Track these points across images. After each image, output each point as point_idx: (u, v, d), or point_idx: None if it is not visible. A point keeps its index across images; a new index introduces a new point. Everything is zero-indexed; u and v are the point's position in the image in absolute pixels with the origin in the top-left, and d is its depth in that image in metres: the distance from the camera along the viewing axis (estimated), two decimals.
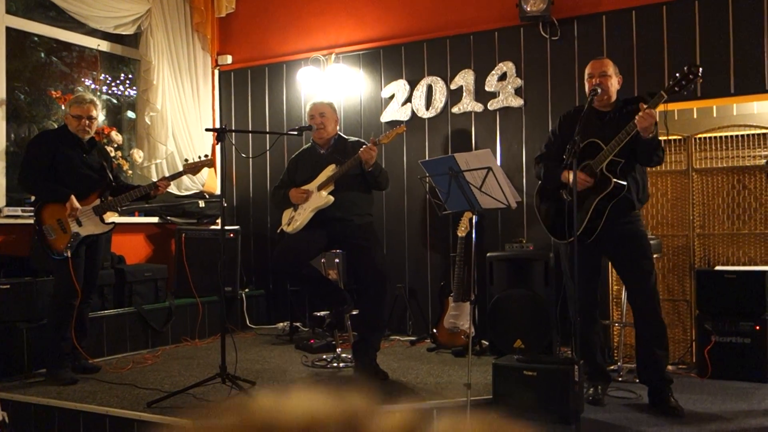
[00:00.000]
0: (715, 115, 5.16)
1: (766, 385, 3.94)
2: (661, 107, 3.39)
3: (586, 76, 3.65)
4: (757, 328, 4.05)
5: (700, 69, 3.26)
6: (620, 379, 4.05)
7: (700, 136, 4.75)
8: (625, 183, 3.43)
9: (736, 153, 4.65)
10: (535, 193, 3.85)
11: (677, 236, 4.76)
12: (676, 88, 3.27)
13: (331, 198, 3.97)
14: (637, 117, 3.30)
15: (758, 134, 4.61)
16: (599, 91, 3.50)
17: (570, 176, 3.38)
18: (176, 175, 4.45)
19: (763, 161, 4.46)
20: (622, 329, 4.48)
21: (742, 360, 4.06)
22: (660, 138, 3.53)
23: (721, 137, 4.70)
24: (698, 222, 4.70)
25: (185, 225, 5.85)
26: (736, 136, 4.67)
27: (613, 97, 3.61)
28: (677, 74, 3.29)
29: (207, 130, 4.21)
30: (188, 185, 6.08)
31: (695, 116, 5.18)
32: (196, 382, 3.67)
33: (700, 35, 4.70)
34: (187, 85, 6.22)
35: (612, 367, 4.18)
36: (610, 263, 4.52)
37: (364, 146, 3.92)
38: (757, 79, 4.53)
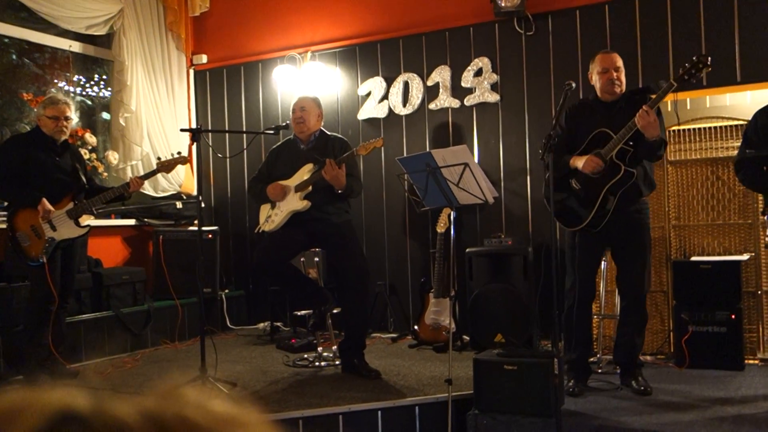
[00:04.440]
0: (688, 107, 5.22)
1: (742, 373, 4.00)
2: (670, 96, 3.45)
3: (596, 70, 3.66)
4: (733, 317, 4.10)
5: (709, 58, 3.31)
6: (600, 370, 4.08)
7: (674, 128, 4.79)
8: (634, 170, 3.48)
9: (709, 145, 4.70)
10: (544, 184, 3.88)
11: (654, 228, 4.79)
12: (686, 77, 3.33)
13: (308, 203, 3.95)
14: (637, 115, 3.35)
15: (731, 126, 4.66)
16: (617, 91, 3.58)
17: (578, 162, 3.54)
18: (150, 174, 4.41)
19: (736, 153, 4.52)
20: (600, 321, 4.51)
21: (719, 349, 4.11)
22: (665, 135, 3.61)
23: (694, 129, 4.75)
24: (674, 213, 4.75)
25: (162, 226, 5.80)
26: (710, 128, 4.72)
27: (624, 89, 3.67)
28: (687, 64, 3.34)
29: (182, 130, 4.18)
30: (165, 186, 6.03)
31: (669, 109, 5.23)
32: (177, 385, 3.63)
33: (673, 28, 4.75)
34: (161, 86, 6.16)
35: (592, 359, 4.21)
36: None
37: (325, 167, 3.84)
38: (729, 71, 4.59)
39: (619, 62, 3.65)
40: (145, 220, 5.84)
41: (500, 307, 4.59)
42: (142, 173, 5.61)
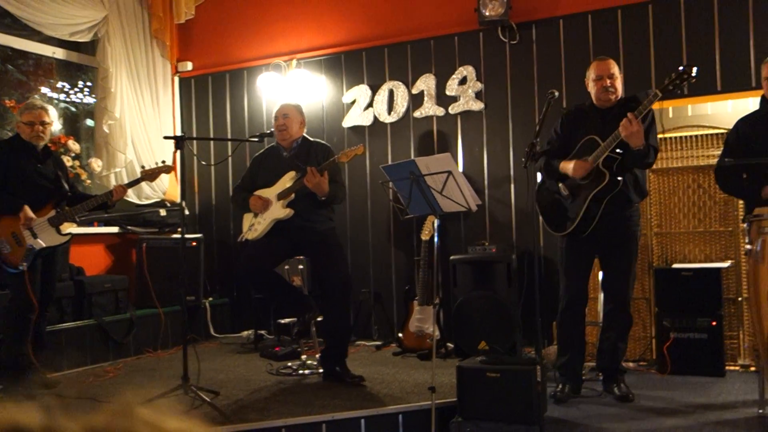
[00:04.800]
0: (671, 116, 5.27)
1: (723, 380, 4.03)
2: (657, 105, 3.47)
3: (591, 77, 3.69)
4: (714, 323, 4.14)
5: (694, 69, 3.34)
6: (583, 377, 4.09)
7: (657, 136, 4.83)
8: (620, 178, 3.50)
9: (691, 153, 4.75)
10: (536, 189, 3.90)
11: None
12: (671, 87, 3.36)
13: (291, 211, 3.94)
14: (620, 125, 3.37)
15: (712, 134, 4.71)
16: (612, 97, 3.61)
17: (568, 167, 3.57)
18: (134, 182, 4.39)
19: (717, 161, 4.57)
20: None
21: (700, 355, 4.14)
22: (656, 143, 3.64)
23: (676, 137, 4.80)
24: (656, 221, 4.78)
25: (146, 234, 5.77)
26: (691, 136, 4.77)
27: (620, 95, 3.69)
28: (672, 74, 3.37)
29: (165, 138, 4.16)
30: (149, 194, 6.00)
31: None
32: (158, 394, 3.61)
33: (654, 38, 4.80)
34: (146, 93, 6.14)
35: None
36: None
37: (306, 175, 3.83)
38: (710, 80, 4.64)
39: (614, 69, 3.66)
40: (129, 227, 5.80)
41: (484, 314, 4.60)
42: (125, 181, 5.59)
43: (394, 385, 3.97)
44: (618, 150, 3.48)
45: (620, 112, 3.56)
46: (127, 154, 5.82)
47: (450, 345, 4.83)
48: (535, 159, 3.37)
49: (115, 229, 5.78)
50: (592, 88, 3.69)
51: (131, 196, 5.76)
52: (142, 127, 6.03)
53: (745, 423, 3.19)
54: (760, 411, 3.28)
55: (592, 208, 3.53)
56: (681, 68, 3.35)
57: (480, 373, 3.34)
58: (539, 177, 3.87)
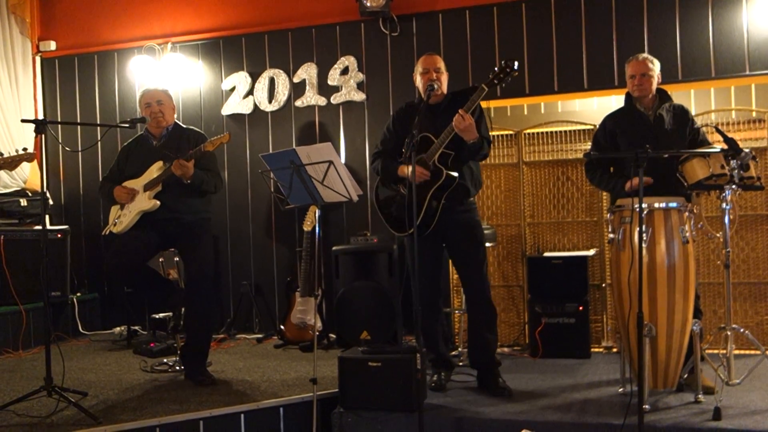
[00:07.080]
0: (542, 111, 5.53)
1: (588, 361, 4.29)
2: (483, 104, 3.53)
3: (419, 71, 3.71)
4: (581, 308, 4.39)
5: (515, 63, 3.44)
6: (461, 363, 4.21)
7: (528, 131, 5.06)
8: (456, 174, 3.54)
9: (560, 147, 5.01)
10: (374, 188, 3.88)
11: (510, 225, 5.05)
12: (495, 81, 3.44)
13: (157, 203, 3.76)
14: (453, 120, 3.43)
15: (579, 130, 4.99)
16: (436, 87, 3.59)
17: (407, 170, 3.46)
18: None
19: (582, 155, 4.83)
20: (461, 316, 4.67)
21: (569, 339, 4.39)
22: (488, 134, 3.69)
23: (547, 132, 5.04)
24: (528, 212, 5.01)
25: (5, 226, 5.34)
26: (561, 131, 5.02)
27: (445, 91, 3.73)
28: (495, 68, 3.46)
29: (23, 121, 3.83)
30: (7, 182, 5.57)
31: (525, 112, 5.52)
32: (18, 397, 3.36)
33: (527, 36, 4.99)
34: (2, 73, 5.68)
35: (453, 353, 4.35)
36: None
37: (175, 162, 3.69)
38: (578, 79, 4.89)
39: (440, 64, 3.70)
40: None
41: (366, 304, 4.63)
42: None
43: (275, 378, 3.91)
44: (451, 146, 3.52)
45: (449, 107, 3.61)
46: None
47: (332, 336, 4.83)
48: (415, 150, 3.38)
49: None
50: (419, 82, 3.72)
51: None
52: None
53: (608, 401, 3.40)
54: (621, 389, 3.52)
55: (431, 205, 3.56)
56: (503, 63, 3.45)
57: (361, 363, 3.35)
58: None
